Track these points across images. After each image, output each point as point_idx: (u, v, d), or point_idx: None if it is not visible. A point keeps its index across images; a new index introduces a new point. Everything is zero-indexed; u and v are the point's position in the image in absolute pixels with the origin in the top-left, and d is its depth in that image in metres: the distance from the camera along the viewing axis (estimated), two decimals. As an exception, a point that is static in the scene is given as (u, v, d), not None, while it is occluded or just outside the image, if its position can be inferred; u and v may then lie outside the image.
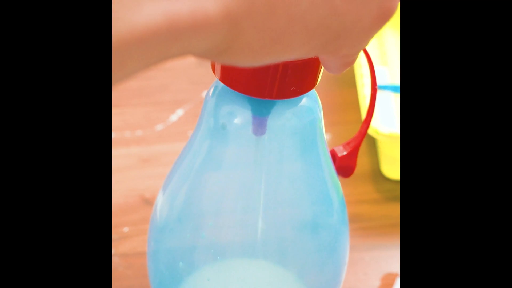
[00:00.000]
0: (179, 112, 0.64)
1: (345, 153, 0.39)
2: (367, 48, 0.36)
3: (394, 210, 0.55)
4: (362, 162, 0.59)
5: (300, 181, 0.37)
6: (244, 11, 0.23)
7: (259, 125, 0.35)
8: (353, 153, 0.40)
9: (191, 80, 0.67)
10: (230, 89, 0.34)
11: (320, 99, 0.37)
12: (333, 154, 0.39)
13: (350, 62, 0.29)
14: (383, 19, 0.26)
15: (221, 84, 0.35)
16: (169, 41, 0.22)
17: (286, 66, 0.32)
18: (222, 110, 0.35)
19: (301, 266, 0.39)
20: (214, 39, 0.23)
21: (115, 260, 0.50)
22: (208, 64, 0.70)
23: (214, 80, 0.36)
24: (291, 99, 0.34)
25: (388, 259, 0.51)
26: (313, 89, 0.36)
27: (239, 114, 0.35)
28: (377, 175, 0.59)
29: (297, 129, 0.35)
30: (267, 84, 0.32)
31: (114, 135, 0.60)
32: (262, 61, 0.25)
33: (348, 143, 0.40)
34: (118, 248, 0.51)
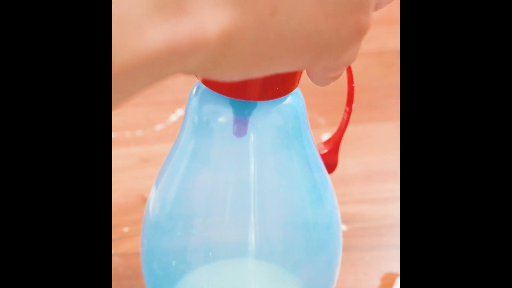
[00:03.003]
0: (179, 112, 0.64)
1: (326, 151, 0.40)
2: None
3: (394, 210, 0.55)
4: (362, 161, 0.59)
5: (287, 177, 0.37)
6: (238, 29, 0.24)
7: (240, 126, 0.35)
8: (334, 150, 0.40)
9: (191, 80, 0.67)
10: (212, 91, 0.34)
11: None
12: None
13: (335, 77, 0.30)
14: (360, 34, 0.27)
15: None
16: (169, 63, 0.23)
17: None
18: (205, 109, 0.35)
19: (293, 262, 0.39)
20: (208, 56, 0.24)
21: (115, 260, 0.50)
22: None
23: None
24: (272, 101, 0.34)
25: (388, 259, 0.51)
26: (298, 88, 0.36)
27: (222, 114, 0.35)
28: (379, 174, 0.59)
29: (281, 127, 0.35)
30: (250, 86, 0.32)
31: (114, 135, 0.60)
32: (249, 75, 0.26)
33: (328, 141, 0.40)
34: (118, 248, 0.51)
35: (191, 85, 0.67)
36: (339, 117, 0.65)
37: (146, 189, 0.56)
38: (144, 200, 0.55)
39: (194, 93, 0.36)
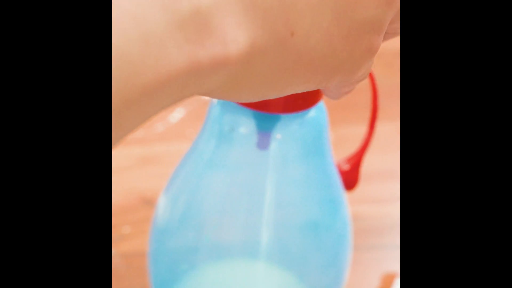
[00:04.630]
0: (179, 112, 0.64)
1: (348, 167, 0.40)
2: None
3: (394, 210, 0.55)
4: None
5: (304, 187, 0.37)
6: (259, 49, 0.23)
7: (263, 140, 0.34)
8: (355, 167, 0.40)
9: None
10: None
11: (323, 99, 0.37)
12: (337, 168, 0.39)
13: (348, 91, 0.30)
14: (371, 54, 0.27)
15: None
16: (188, 82, 0.22)
17: None
18: (227, 118, 0.35)
19: (303, 269, 0.40)
20: (227, 76, 0.23)
21: (115, 260, 0.50)
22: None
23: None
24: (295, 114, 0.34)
25: (388, 259, 0.51)
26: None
27: (244, 125, 0.34)
28: (379, 174, 0.59)
29: (303, 141, 0.35)
30: (273, 99, 0.32)
31: (114, 135, 0.60)
32: (265, 97, 0.26)
33: (351, 157, 0.40)
34: (118, 248, 0.51)
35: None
36: (339, 117, 0.65)
37: (146, 189, 0.56)
38: (144, 200, 0.55)
39: (216, 101, 0.35)
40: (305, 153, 0.36)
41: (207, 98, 0.36)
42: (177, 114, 0.64)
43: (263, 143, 0.34)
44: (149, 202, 0.55)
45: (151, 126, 0.62)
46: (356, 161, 0.40)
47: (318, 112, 0.35)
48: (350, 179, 0.40)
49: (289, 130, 0.34)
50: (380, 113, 0.66)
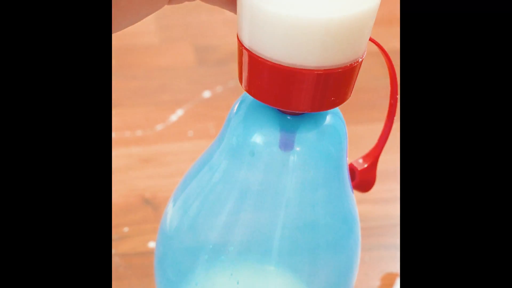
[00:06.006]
0: (179, 112, 0.64)
1: (366, 166, 0.38)
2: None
3: (394, 210, 0.55)
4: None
5: (323, 203, 0.36)
6: None
7: (287, 141, 0.33)
8: (373, 166, 0.38)
9: (191, 80, 0.67)
10: (257, 106, 0.32)
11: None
12: (352, 169, 0.38)
13: None
14: None
15: (247, 99, 0.33)
16: None
17: (324, 76, 0.30)
18: (249, 130, 0.33)
19: (314, 283, 0.39)
20: None
21: (115, 260, 0.50)
22: (207, 64, 0.70)
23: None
24: (317, 117, 0.33)
25: (388, 259, 0.51)
26: (337, 108, 0.34)
27: (265, 132, 0.33)
28: (379, 174, 0.59)
29: (323, 149, 0.34)
30: (306, 95, 0.30)
31: (114, 135, 0.60)
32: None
33: (367, 156, 0.39)
34: (118, 248, 0.51)
35: (191, 85, 0.67)
36: (344, 117, 0.65)
37: (146, 189, 0.56)
38: (144, 200, 0.55)
39: (235, 111, 0.34)
40: (327, 164, 0.34)
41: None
42: (176, 114, 0.64)
43: (287, 144, 0.33)
44: (149, 202, 0.55)
45: (151, 126, 0.62)
46: (374, 158, 0.38)
47: (337, 120, 0.34)
48: (367, 178, 0.38)
49: (308, 140, 0.33)
50: (380, 113, 0.66)
